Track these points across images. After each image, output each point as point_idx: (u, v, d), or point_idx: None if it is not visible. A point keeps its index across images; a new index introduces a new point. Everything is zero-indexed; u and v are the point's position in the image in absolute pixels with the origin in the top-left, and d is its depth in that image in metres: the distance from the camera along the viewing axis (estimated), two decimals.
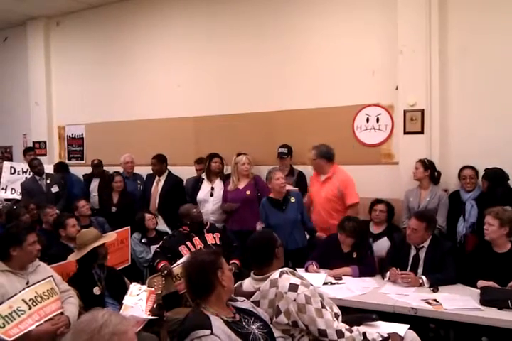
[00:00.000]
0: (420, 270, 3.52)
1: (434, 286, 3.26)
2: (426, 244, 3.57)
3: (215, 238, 4.27)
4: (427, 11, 4.61)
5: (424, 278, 3.36)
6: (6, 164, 6.57)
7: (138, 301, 3.16)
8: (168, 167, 5.89)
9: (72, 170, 6.56)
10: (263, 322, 2.23)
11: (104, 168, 6.37)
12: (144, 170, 5.96)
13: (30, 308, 2.74)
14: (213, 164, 5.33)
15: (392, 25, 4.82)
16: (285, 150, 5.26)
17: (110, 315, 1.53)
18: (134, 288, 3.29)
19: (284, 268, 2.52)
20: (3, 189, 6.29)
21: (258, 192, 4.90)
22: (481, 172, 4.34)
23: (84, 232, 3.54)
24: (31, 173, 6.20)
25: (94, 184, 6.27)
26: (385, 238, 4.28)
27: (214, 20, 6.06)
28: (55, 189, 5.96)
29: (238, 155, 5.08)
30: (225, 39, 5.97)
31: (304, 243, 4.35)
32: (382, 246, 4.17)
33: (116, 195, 5.73)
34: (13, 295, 2.72)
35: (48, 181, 5.99)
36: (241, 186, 5.01)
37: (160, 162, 5.79)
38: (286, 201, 4.29)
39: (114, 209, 5.63)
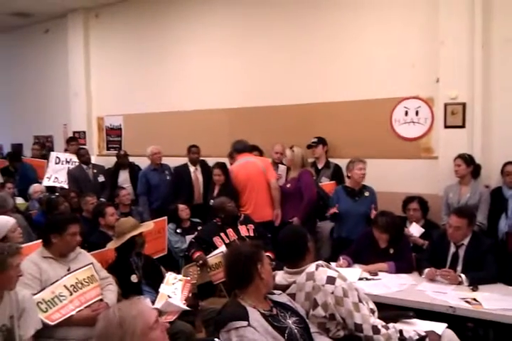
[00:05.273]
0: (459, 268, 3.43)
1: (474, 285, 3.18)
2: (466, 242, 3.47)
3: (248, 230, 4.28)
4: (471, 0, 4.47)
5: (463, 276, 3.27)
6: (53, 154, 6.76)
7: (174, 290, 3.21)
8: (203, 158, 5.94)
9: (111, 159, 6.69)
10: (299, 317, 2.23)
11: (140, 158, 6.44)
12: (179, 162, 6.00)
13: (71, 294, 2.82)
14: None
15: (433, 15, 4.70)
16: (314, 140, 5.22)
17: (119, 308, 1.53)
18: (170, 276, 3.34)
19: (319, 262, 2.50)
20: (47, 178, 6.48)
21: (300, 187, 4.73)
22: None
23: (122, 221, 3.60)
24: (74, 164, 6.39)
25: (124, 176, 6.27)
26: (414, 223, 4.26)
27: (250, 11, 6.04)
28: (101, 178, 6.14)
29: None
30: (260, 30, 5.94)
31: None
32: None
33: (217, 189, 5.31)
34: (55, 281, 2.80)
35: (95, 171, 6.17)
36: (289, 177, 4.93)
37: (199, 150, 5.85)
38: (361, 193, 4.39)
39: (212, 202, 4.97)
